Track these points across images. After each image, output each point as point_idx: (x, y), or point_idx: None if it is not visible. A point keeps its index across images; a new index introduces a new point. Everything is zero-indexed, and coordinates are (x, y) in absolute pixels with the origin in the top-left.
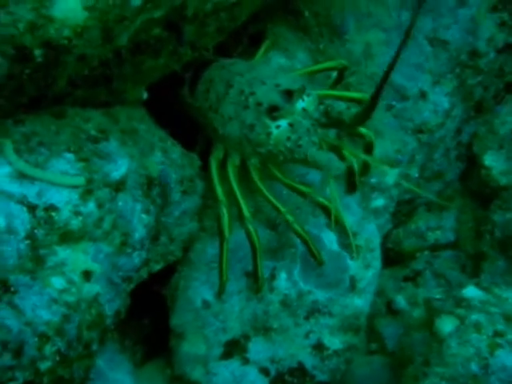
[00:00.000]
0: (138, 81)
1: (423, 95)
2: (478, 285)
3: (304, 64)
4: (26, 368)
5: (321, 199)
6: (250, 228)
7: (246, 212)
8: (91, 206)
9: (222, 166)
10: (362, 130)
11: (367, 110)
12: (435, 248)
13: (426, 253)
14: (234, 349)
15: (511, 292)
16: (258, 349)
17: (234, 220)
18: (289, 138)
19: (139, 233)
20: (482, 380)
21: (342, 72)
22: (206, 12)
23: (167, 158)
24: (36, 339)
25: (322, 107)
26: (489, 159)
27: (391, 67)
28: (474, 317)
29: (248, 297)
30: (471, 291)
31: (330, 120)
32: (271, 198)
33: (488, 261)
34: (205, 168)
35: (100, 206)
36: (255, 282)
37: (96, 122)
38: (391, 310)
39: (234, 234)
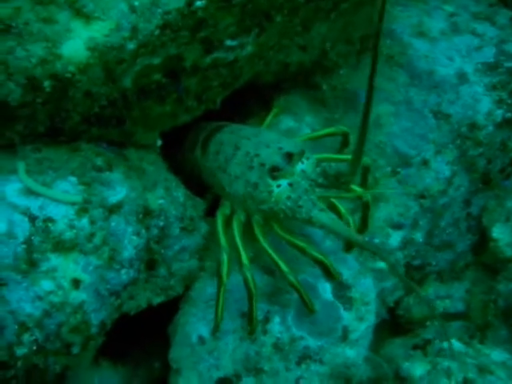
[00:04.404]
0: (148, 125)
1: (425, 163)
2: (460, 339)
3: (310, 126)
4: (2, 349)
5: (316, 254)
6: (248, 275)
7: (244, 260)
8: (84, 221)
9: (228, 220)
10: (358, 190)
11: (354, 163)
12: (445, 317)
13: (437, 322)
14: None
15: (495, 351)
16: None
17: (234, 263)
18: (289, 197)
19: (128, 252)
20: None
21: (345, 137)
22: (205, 65)
23: (169, 195)
24: (16, 327)
25: (319, 169)
26: (496, 231)
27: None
28: (446, 363)
29: (242, 337)
30: (451, 343)
31: (327, 180)
32: (271, 252)
33: (491, 329)
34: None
35: (93, 222)
36: (249, 325)
37: (106, 157)
38: (399, 376)
39: (233, 275)
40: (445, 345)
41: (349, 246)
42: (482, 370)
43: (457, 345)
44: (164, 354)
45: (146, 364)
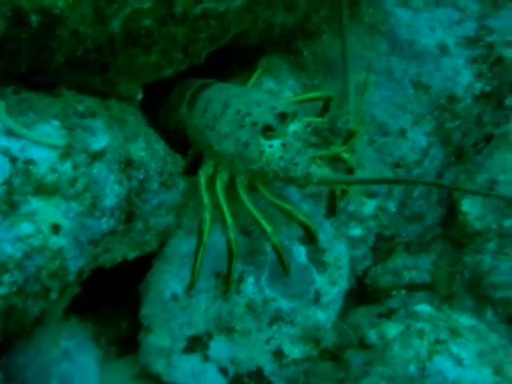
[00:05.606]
0: (131, 75)
1: (403, 132)
2: (430, 303)
3: (292, 90)
4: None
5: (302, 217)
6: (232, 236)
7: (229, 220)
8: (67, 166)
9: (211, 180)
10: (345, 155)
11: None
12: (410, 287)
13: (403, 292)
14: (196, 344)
15: (463, 316)
16: (219, 348)
17: (213, 222)
18: (281, 158)
19: (109, 200)
20: (418, 382)
21: (327, 103)
22: (195, 15)
23: (149, 148)
24: None
25: (309, 129)
26: (466, 205)
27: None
28: (419, 325)
29: (215, 296)
30: (423, 307)
31: (320, 136)
32: (255, 213)
33: (456, 299)
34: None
35: (75, 167)
36: (225, 284)
37: (88, 104)
38: (363, 344)
39: (210, 235)
40: (417, 308)
41: (331, 211)
42: (453, 332)
43: (428, 309)
44: (131, 315)
45: (113, 323)
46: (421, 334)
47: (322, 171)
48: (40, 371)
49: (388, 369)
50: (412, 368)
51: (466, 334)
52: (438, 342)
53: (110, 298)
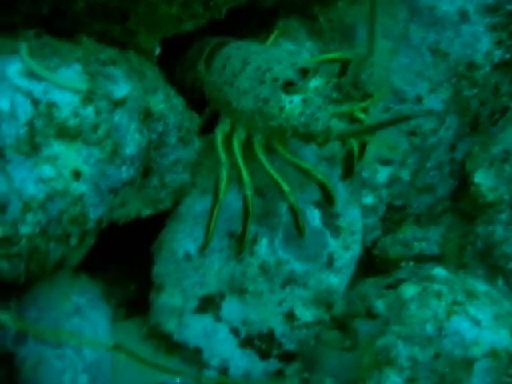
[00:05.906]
0: (151, 26)
1: (419, 100)
2: (446, 268)
3: (310, 52)
4: (7, 224)
5: (320, 176)
6: (248, 193)
7: (246, 178)
8: (90, 110)
9: (227, 138)
10: (362, 116)
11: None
12: (420, 258)
13: (411, 263)
14: (209, 305)
15: (477, 282)
16: (231, 309)
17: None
18: (302, 113)
19: (130, 149)
20: (435, 341)
21: (345, 65)
22: None
23: (169, 101)
24: (20, 204)
25: (331, 84)
26: (479, 176)
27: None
28: (436, 287)
29: (228, 256)
30: (438, 271)
31: (342, 91)
32: (273, 172)
33: (468, 269)
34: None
35: (97, 113)
36: (240, 244)
37: (108, 53)
38: (370, 314)
39: (226, 194)
40: (433, 272)
41: (348, 172)
42: (470, 294)
43: (443, 272)
44: (139, 278)
45: (121, 285)
46: (438, 294)
47: (342, 124)
48: (51, 325)
49: (405, 328)
50: (429, 328)
51: (482, 297)
52: (455, 303)
53: (118, 259)
